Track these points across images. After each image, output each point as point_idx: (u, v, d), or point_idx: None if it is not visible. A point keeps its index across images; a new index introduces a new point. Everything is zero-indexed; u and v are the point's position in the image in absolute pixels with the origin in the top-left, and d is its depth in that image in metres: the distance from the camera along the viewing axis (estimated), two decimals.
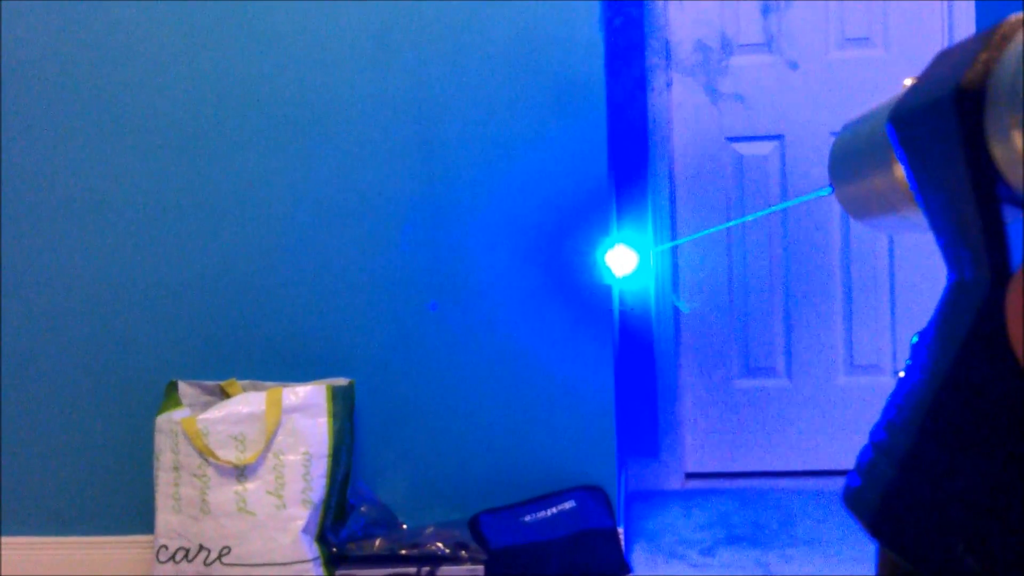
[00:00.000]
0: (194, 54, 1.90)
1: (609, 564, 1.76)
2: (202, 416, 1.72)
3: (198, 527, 1.70)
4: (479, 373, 1.88)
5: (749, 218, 2.34)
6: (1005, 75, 0.39)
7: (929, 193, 0.46)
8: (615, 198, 2.22)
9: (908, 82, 0.53)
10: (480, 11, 1.85)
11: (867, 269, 2.42)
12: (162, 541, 1.72)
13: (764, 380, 2.45)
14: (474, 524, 1.80)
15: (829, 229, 2.42)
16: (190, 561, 1.70)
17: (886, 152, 0.54)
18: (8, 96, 1.93)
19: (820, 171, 2.37)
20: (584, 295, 1.86)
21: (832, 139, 2.37)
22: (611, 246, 1.86)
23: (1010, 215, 0.43)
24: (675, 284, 2.44)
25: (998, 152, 0.40)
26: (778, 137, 2.42)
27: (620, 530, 1.84)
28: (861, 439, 0.51)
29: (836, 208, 2.40)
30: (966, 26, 2.35)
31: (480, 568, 1.72)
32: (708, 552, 1.94)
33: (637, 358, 2.41)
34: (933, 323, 0.47)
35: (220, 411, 1.72)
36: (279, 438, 1.71)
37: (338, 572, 1.74)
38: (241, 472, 1.70)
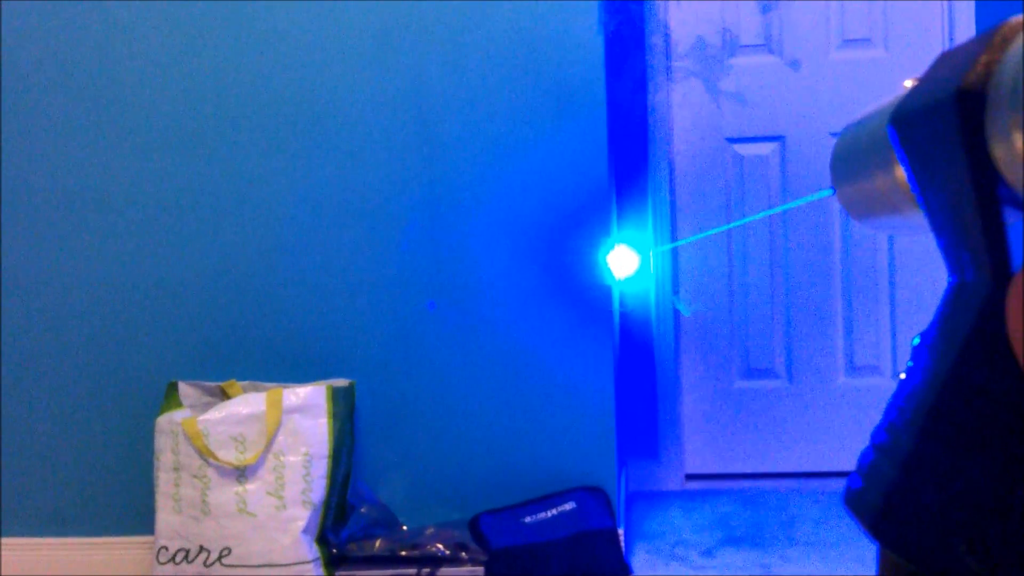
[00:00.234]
0: (194, 54, 1.90)
1: (609, 565, 1.76)
2: (203, 417, 1.72)
3: (198, 528, 1.70)
4: (479, 374, 1.88)
5: (749, 219, 2.34)
6: (1006, 77, 0.39)
7: (930, 194, 0.46)
8: (615, 198, 2.22)
9: (908, 83, 0.53)
10: (480, 11, 1.85)
11: (867, 270, 2.42)
12: (162, 542, 1.72)
13: (764, 381, 2.45)
14: (474, 525, 1.80)
15: (829, 230, 2.42)
16: (190, 562, 1.70)
17: (887, 153, 0.54)
18: (8, 96, 1.93)
19: (820, 172, 2.37)
20: (584, 296, 1.86)
21: (832, 140, 2.37)
22: (611, 247, 1.86)
23: (1011, 216, 0.43)
24: (675, 285, 2.44)
25: (999, 153, 0.40)
26: (778, 138, 2.42)
27: (620, 531, 1.84)
28: (861, 440, 0.51)
29: (836, 209, 2.40)
30: (966, 27, 2.35)
31: (480, 569, 1.72)
32: (708, 553, 1.94)
33: (637, 359, 2.41)
34: (934, 324, 0.47)
35: (220, 412, 1.72)
36: (279, 439, 1.71)
37: (338, 573, 1.74)
38: (241, 473, 1.70)
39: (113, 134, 1.92)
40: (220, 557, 1.68)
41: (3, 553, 1.93)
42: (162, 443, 1.74)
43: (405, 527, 1.84)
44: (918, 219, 0.53)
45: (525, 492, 1.86)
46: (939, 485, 0.42)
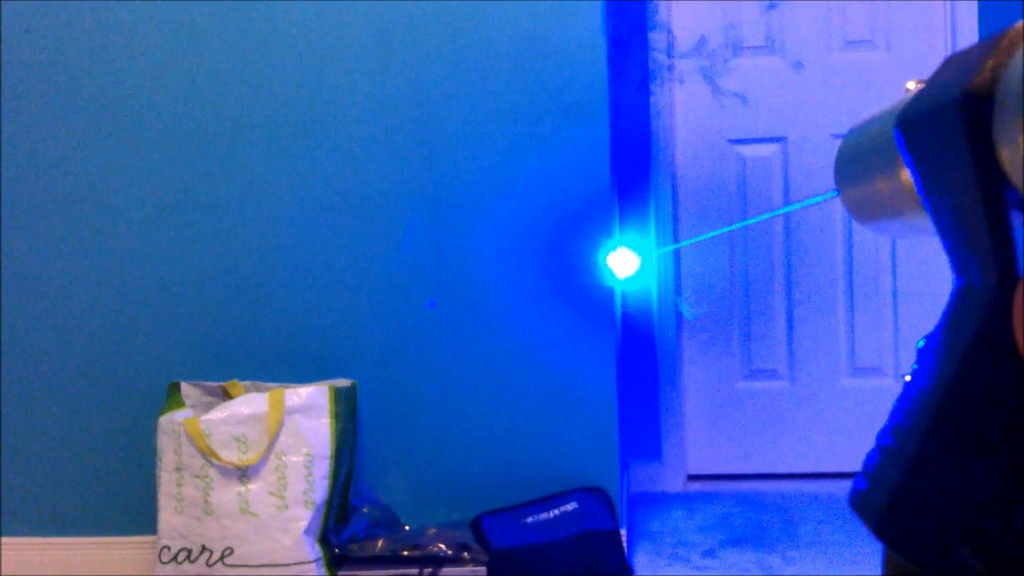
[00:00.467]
0: (194, 54, 1.91)
1: (611, 566, 1.76)
2: (204, 417, 1.72)
3: (200, 528, 1.70)
4: (481, 375, 1.88)
5: (752, 221, 2.34)
6: (1012, 81, 0.39)
7: (936, 197, 0.46)
8: (617, 200, 2.22)
9: (911, 85, 0.53)
10: (482, 11, 1.85)
11: (869, 272, 2.42)
12: (164, 542, 1.72)
13: (766, 382, 2.45)
14: (476, 525, 1.80)
15: (832, 232, 2.42)
16: (192, 562, 1.70)
17: (892, 156, 0.54)
18: (8, 96, 1.93)
19: (823, 174, 2.37)
20: (586, 297, 1.86)
21: (835, 141, 2.37)
22: (613, 248, 1.86)
23: (1017, 220, 0.44)
24: (677, 286, 2.44)
25: (1005, 157, 0.40)
26: (781, 139, 2.42)
27: (622, 532, 1.84)
28: (863, 442, 0.51)
29: (838, 211, 2.40)
30: (969, 28, 2.35)
31: (482, 569, 1.72)
32: (710, 554, 1.94)
33: (639, 360, 2.41)
34: (939, 327, 0.47)
35: (222, 412, 1.72)
36: (281, 439, 1.71)
37: (340, 573, 1.74)
38: (243, 473, 1.70)
39: (113, 134, 1.92)
40: (222, 557, 1.68)
41: (3, 553, 1.93)
42: (164, 443, 1.74)
43: (407, 527, 1.84)
44: (923, 222, 0.53)
45: (527, 492, 1.86)
46: (943, 487, 0.42)
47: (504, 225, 1.87)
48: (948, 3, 2.38)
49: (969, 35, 2.36)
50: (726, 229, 2.36)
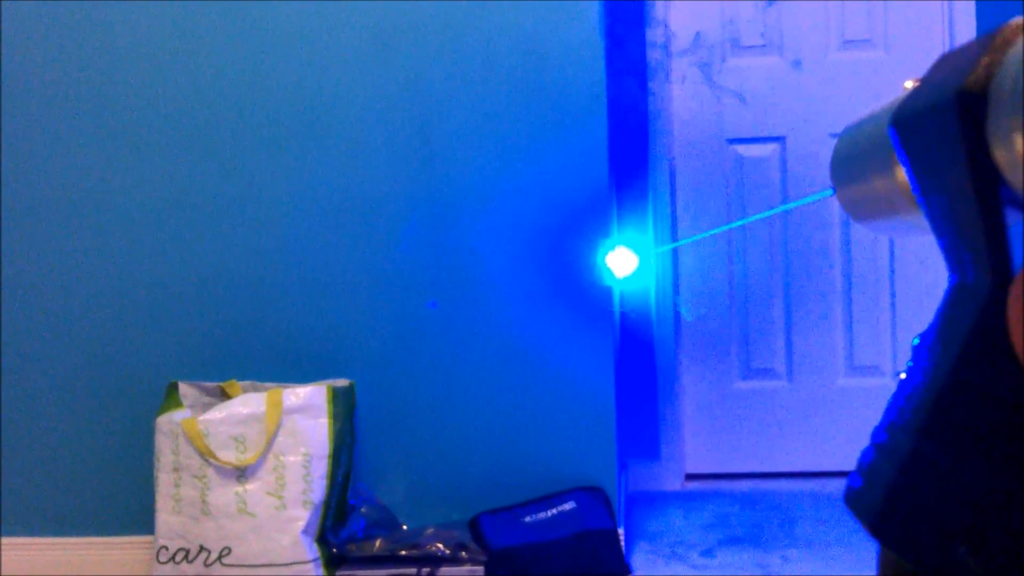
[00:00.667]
0: (194, 54, 1.91)
1: (609, 565, 1.76)
2: (203, 417, 1.72)
3: (198, 528, 1.70)
4: (479, 374, 1.88)
5: (750, 220, 2.34)
6: (1007, 79, 0.39)
7: (931, 196, 0.46)
8: (615, 199, 2.22)
9: (908, 84, 0.53)
10: (480, 11, 1.85)
11: (867, 271, 2.42)
12: (162, 542, 1.72)
13: (764, 381, 2.45)
14: (474, 525, 1.80)
15: (830, 231, 2.43)
16: (190, 562, 1.70)
17: (888, 155, 0.54)
18: (8, 96, 1.93)
19: (821, 173, 2.37)
20: (584, 296, 1.86)
21: (833, 141, 2.37)
22: (612, 247, 1.86)
23: (1012, 217, 0.44)
24: (675, 286, 2.44)
25: (1000, 155, 0.40)
26: (779, 139, 2.42)
27: (620, 531, 1.84)
28: (861, 441, 0.51)
29: (836, 210, 2.40)
30: (967, 28, 2.36)
31: (480, 569, 1.72)
32: (708, 553, 1.94)
33: (638, 359, 2.41)
34: (934, 325, 0.47)
35: (221, 412, 1.72)
36: (279, 439, 1.71)
37: (338, 573, 1.74)
38: (241, 473, 1.70)
39: (113, 134, 1.92)
40: (220, 557, 1.68)
41: (3, 553, 1.93)
42: (162, 443, 1.74)
43: (405, 527, 1.84)
44: (919, 220, 0.53)
45: (525, 492, 1.86)
46: (939, 485, 0.42)
47: (502, 224, 1.87)
48: (946, 3, 2.38)
49: (967, 34, 2.36)
50: (724, 228, 2.36)
